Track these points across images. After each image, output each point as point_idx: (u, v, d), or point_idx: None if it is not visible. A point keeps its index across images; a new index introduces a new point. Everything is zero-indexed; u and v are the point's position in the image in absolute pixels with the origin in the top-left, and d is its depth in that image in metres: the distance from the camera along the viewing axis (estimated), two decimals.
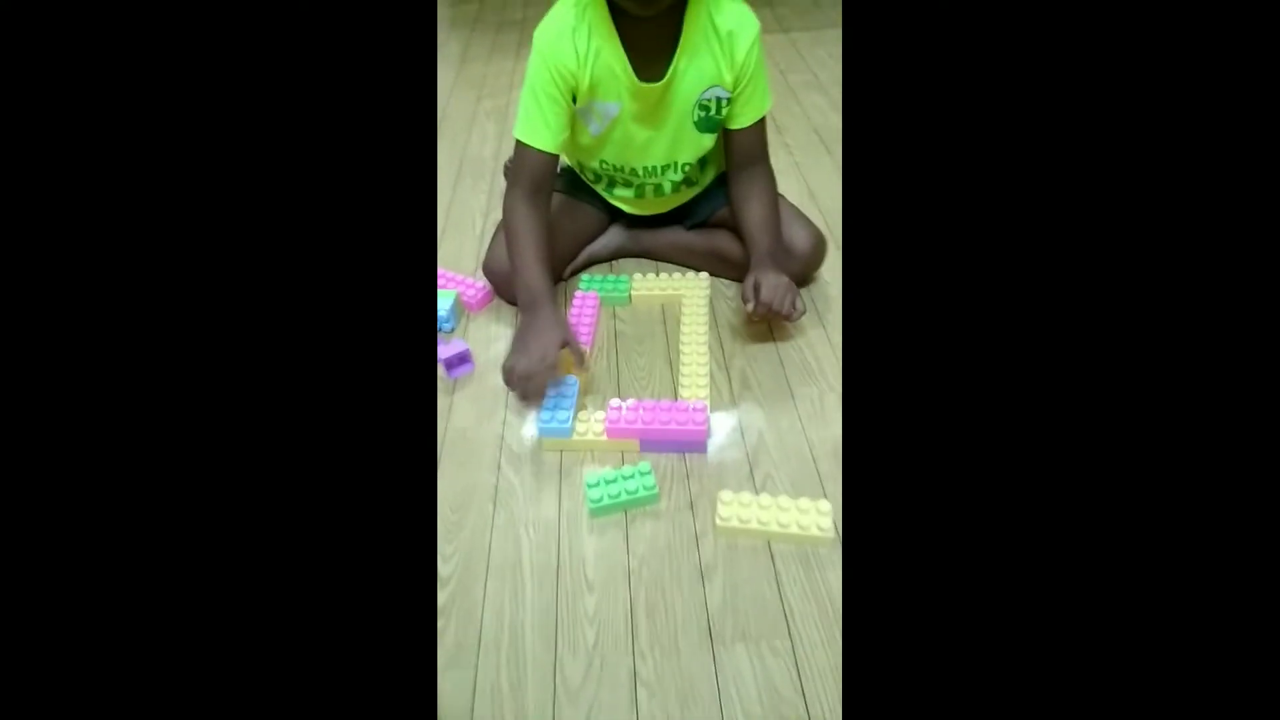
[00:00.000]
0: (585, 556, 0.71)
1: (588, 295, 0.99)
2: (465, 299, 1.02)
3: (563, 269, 1.03)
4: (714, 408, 0.84)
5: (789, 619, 0.64)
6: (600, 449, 0.81)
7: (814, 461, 0.78)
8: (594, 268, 1.08)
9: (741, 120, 0.90)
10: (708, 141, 0.92)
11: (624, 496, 0.74)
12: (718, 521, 0.71)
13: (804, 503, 0.72)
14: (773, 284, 0.84)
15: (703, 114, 0.88)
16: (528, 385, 0.80)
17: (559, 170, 0.94)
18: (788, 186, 1.04)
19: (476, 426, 0.85)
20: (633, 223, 1.05)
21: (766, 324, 0.93)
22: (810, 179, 1.26)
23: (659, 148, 0.91)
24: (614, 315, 1.00)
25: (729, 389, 0.87)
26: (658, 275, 1.03)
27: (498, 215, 1.05)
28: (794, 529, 0.70)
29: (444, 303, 0.98)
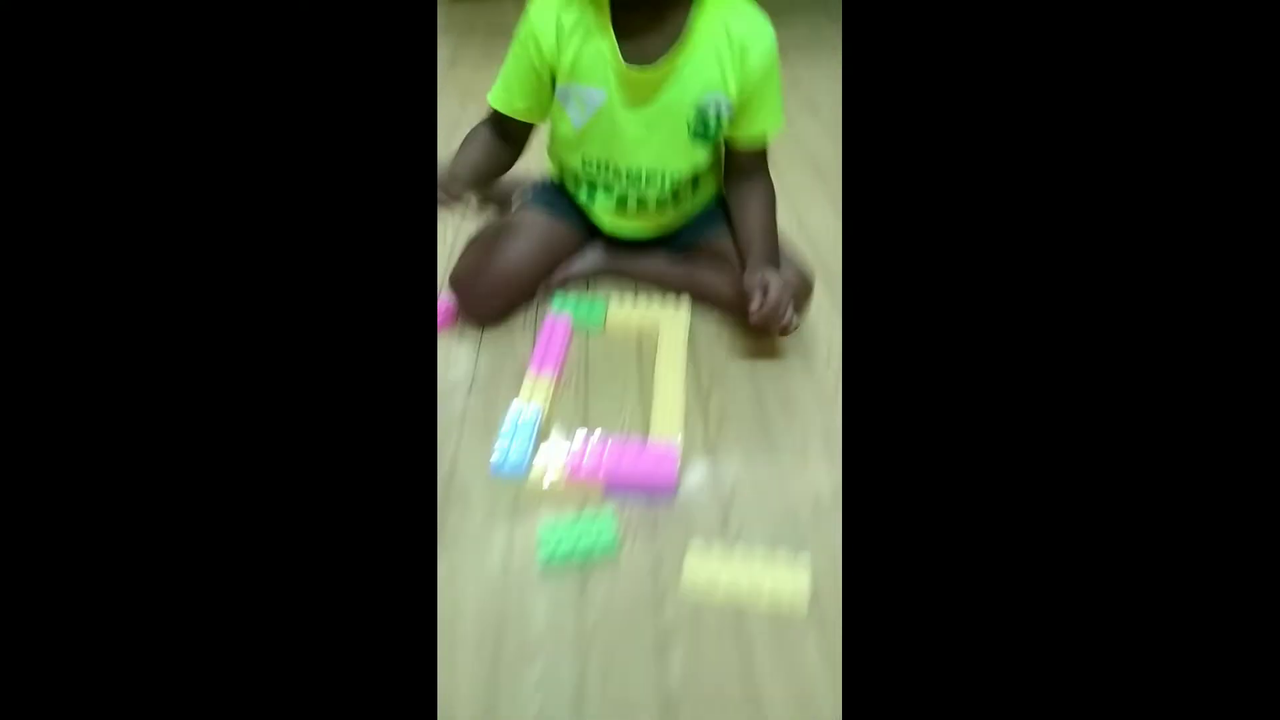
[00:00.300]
0: (532, 615, 0.63)
1: (559, 319, 0.92)
2: None
3: (535, 288, 0.96)
4: (687, 448, 0.77)
5: (758, 707, 0.57)
6: (559, 495, 0.73)
7: (793, 510, 0.71)
8: (570, 283, 1.02)
9: (745, 132, 0.85)
10: (701, 156, 0.86)
11: (580, 544, 0.67)
12: (684, 582, 0.64)
13: (780, 557, 0.65)
14: (779, 286, 0.79)
15: (699, 121, 0.83)
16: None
17: (538, 186, 0.93)
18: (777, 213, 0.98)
19: None
20: (613, 243, 0.99)
21: (749, 351, 0.87)
22: (800, 206, 1.21)
23: (648, 150, 0.85)
24: (586, 341, 0.93)
25: (704, 428, 0.81)
26: (635, 298, 0.96)
27: (469, 228, 0.99)
28: (767, 591, 0.63)
29: None
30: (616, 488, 0.73)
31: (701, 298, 0.94)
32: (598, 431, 0.79)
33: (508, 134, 0.89)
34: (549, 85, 0.84)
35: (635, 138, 0.84)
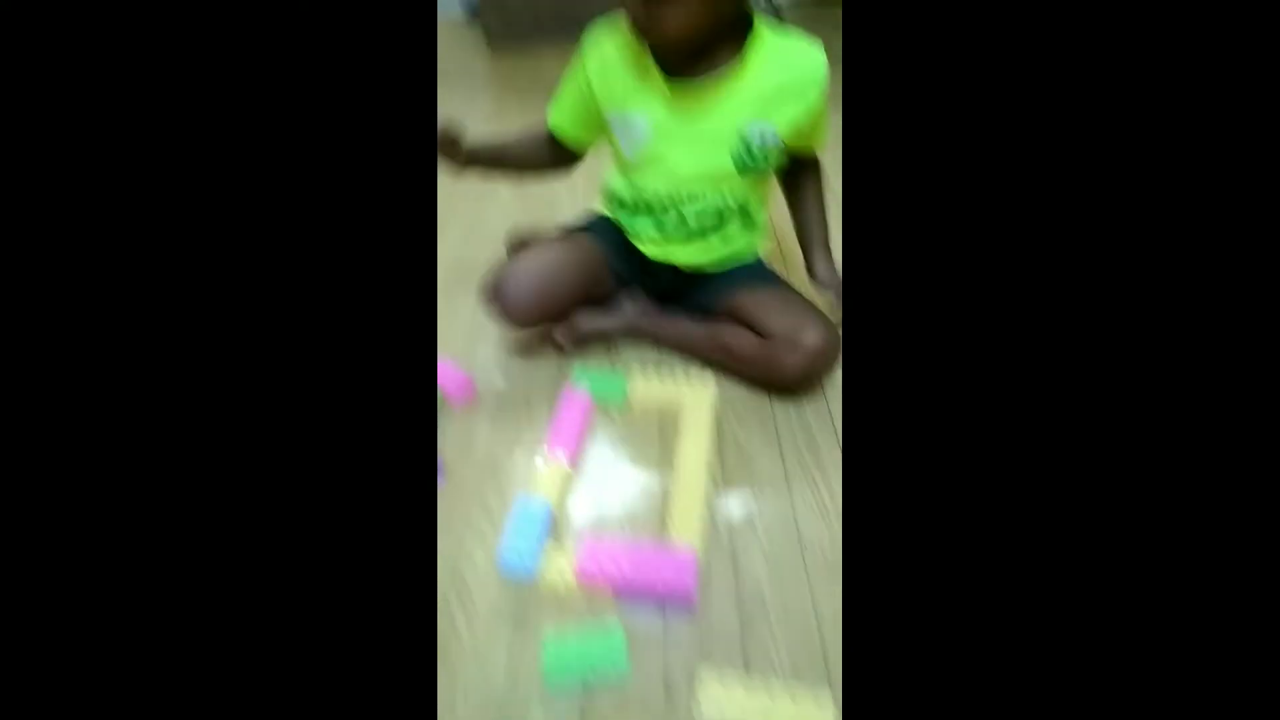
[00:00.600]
0: None
1: (577, 395, 0.88)
2: (445, 390, 0.91)
3: (567, 298, 0.92)
4: (707, 551, 0.72)
5: None
6: (566, 599, 0.69)
7: (818, 630, 0.65)
8: (592, 353, 0.98)
9: (797, 147, 0.88)
10: (744, 184, 0.85)
11: (585, 663, 0.62)
12: (696, 713, 0.58)
13: (801, 695, 0.59)
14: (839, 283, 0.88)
15: (743, 148, 0.82)
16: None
17: (590, 217, 1.00)
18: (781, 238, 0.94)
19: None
20: (648, 286, 0.98)
21: (778, 446, 0.81)
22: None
23: (689, 163, 0.84)
24: (607, 418, 0.89)
25: (728, 529, 0.75)
26: (659, 372, 0.92)
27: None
28: None
29: None
30: (629, 594, 0.68)
31: (730, 360, 0.91)
32: (612, 529, 0.74)
33: (556, 146, 0.94)
34: (596, 117, 0.87)
35: (679, 156, 0.84)
